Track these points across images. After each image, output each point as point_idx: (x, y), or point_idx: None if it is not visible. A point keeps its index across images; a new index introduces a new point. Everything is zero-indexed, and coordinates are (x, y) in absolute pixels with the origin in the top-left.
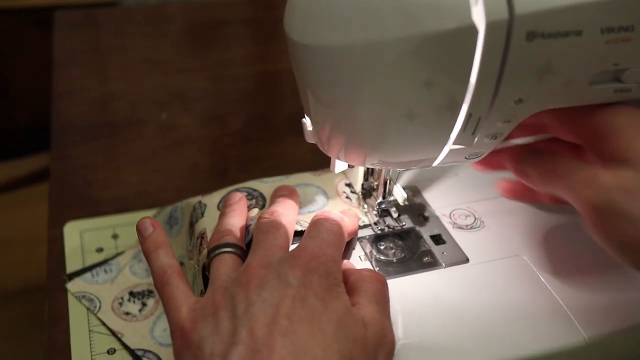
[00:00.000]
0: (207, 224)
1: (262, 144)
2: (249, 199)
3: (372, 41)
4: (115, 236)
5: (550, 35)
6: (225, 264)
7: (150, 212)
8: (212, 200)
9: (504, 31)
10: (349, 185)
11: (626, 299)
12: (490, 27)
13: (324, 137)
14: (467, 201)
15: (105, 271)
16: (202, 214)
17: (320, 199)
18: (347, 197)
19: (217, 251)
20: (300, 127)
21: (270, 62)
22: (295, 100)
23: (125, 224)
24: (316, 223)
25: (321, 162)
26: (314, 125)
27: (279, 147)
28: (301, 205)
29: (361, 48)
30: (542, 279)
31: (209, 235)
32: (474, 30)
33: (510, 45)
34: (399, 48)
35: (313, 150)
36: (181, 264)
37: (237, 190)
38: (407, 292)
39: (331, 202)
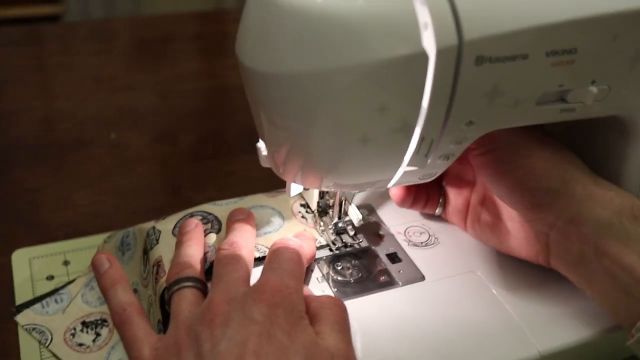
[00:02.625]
0: (163, 251)
1: (216, 161)
2: (204, 223)
3: (325, 68)
4: (66, 262)
5: (498, 59)
6: (186, 300)
7: (102, 237)
8: (166, 226)
9: (454, 56)
10: (304, 205)
11: (578, 311)
12: (440, 53)
13: (279, 161)
14: (421, 218)
15: (56, 301)
16: (157, 240)
17: (276, 220)
18: (302, 217)
19: (177, 286)
20: (254, 143)
21: (219, 77)
22: (247, 116)
23: (76, 249)
24: (276, 253)
25: (276, 180)
26: (268, 149)
27: (232, 165)
28: (257, 227)
29: (315, 75)
30: (496, 294)
31: (165, 263)
32: (424, 56)
33: (460, 70)
34: (352, 75)
35: (265, 168)
36: (135, 290)
37: (192, 215)
38: (365, 312)
39: (287, 222)
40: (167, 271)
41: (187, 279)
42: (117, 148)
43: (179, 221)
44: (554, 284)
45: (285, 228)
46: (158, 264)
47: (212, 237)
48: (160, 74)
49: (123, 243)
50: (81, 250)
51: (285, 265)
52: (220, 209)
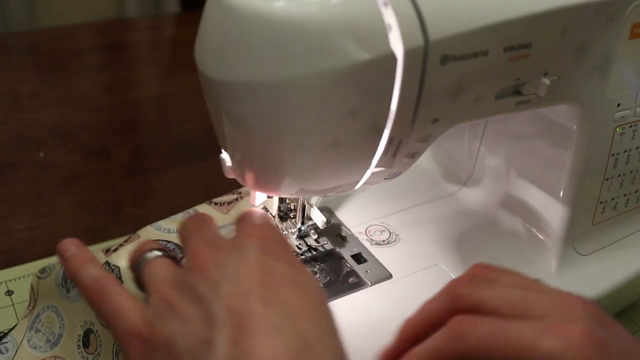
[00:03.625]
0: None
1: (154, 174)
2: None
3: (294, 75)
4: (9, 292)
5: (461, 57)
6: (160, 267)
7: (46, 261)
8: (121, 261)
9: (421, 57)
10: None
11: None
12: (408, 53)
13: (245, 171)
14: (379, 216)
15: (1, 351)
16: (120, 279)
17: None
18: None
19: (145, 257)
20: (193, 153)
21: (141, 88)
22: (180, 126)
23: (18, 277)
24: (243, 217)
25: (219, 188)
26: (233, 160)
27: (171, 176)
28: None
29: (283, 83)
30: None
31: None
32: (393, 58)
33: (427, 70)
34: (322, 81)
35: (208, 176)
36: (90, 332)
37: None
38: (338, 315)
39: None
40: None
41: (153, 249)
42: (48, 168)
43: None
44: (516, 269)
45: None
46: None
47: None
48: (82, 87)
49: (65, 279)
50: (24, 278)
51: (258, 219)
52: (176, 235)
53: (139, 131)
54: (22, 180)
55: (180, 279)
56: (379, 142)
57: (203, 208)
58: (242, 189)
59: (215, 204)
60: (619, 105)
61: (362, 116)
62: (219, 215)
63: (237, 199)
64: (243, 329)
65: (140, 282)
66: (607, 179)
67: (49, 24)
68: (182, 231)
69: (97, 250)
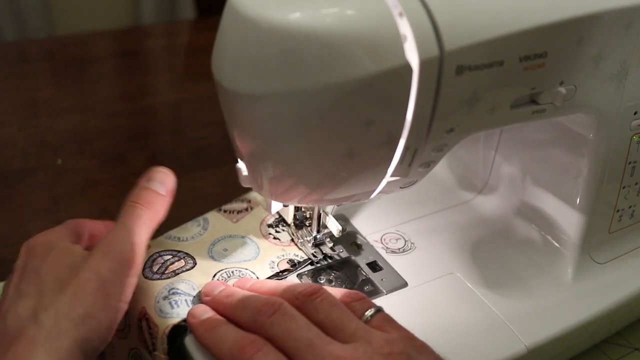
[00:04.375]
0: (144, 300)
1: None
2: (175, 261)
3: (311, 86)
4: None
5: (476, 67)
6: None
7: None
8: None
9: (436, 67)
10: (271, 225)
11: (559, 302)
12: (423, 64)
13: (261, 181)
14: (394, 224)
15: None
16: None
17: (251, 247)
18: (274, 238)
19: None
20: (207, 159)
21: (160, 94)
22: (195, 131)
23: None
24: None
25: (231, 194)
26: (249, 170)
27: (185, 182)
28: (233, 257)
29: (301, 94)
30: (478, 294)
31: (152, 315)
32: (408, 69)
33: (442, 80)
34: (339, 92)
35: (222, 183)
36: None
37: (159, 254)
38: None
39: (262, 248)
40: (158, 324)
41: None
42: (65, 174)
43: (147, 260)
44: (532, 278)
45: (262, 254)
46: (145, 317)
47: (191, 274)
48: (99, 94)
49: None
50: None
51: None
52: (187, 244)
53: (155, 137)
54: (40, 186)
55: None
56: (394, 151)
57: (213, 216)
58: (251, 196)
59: (225, 211)
60: (635, 113)
61: (377, 126)
62: (228, 224)
63: (247, 209)
64: None
65: None
66: (623, 187)
67: (65, 31)
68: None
69: None
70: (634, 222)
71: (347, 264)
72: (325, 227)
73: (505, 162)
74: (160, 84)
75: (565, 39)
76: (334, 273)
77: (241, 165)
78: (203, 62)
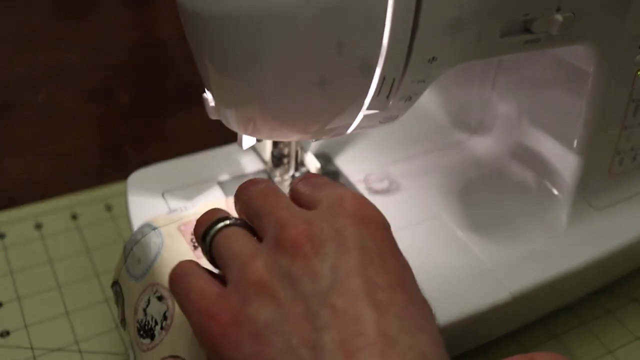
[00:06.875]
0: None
1: (155, 118)
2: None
3: (277, 5)
4: (2, 236)
5: None
6: (238, 238)
7: (39, 206)
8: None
9: None
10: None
11: (546, 249)
12: None
13: (229, 112)
14: (380, 164)
15: None
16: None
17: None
18: None
19: (216, 228)
20: (195, 95)
21: (151, 29)
22: (185, 68)
23: (12, 220)
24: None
25: (223, 133)
26: (216, 100)
27: (174, 120)
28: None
29: (266, 14)
30: (464, 238)
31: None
32: None
33: (422, 1)
34: (306, 10)
35: (212, 120)
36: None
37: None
38: None
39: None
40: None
41: (224, 218)
42: (47, 109)
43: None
44: (524, 223)
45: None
46: (164, 315)
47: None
48: (87, 28)
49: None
50: (18, 222)
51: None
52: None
53: (142, 73)
54: (20, 121)
55: (269, 259)
56: (370, 81)
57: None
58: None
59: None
60: None
61: (350, 51)
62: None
63: None
64: (355, 339)
65: (211, 257)
66: (625, 128)
67: None
68: (245, 192)
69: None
70: (635, 165)
71: None
72: (303, 164)
73: (501, 101)
74: (155, 20)
75: None
76: None
77: (208, 95)
78: None
